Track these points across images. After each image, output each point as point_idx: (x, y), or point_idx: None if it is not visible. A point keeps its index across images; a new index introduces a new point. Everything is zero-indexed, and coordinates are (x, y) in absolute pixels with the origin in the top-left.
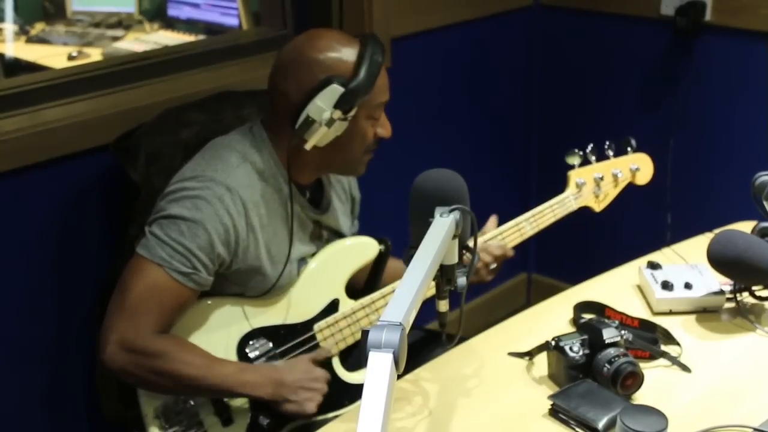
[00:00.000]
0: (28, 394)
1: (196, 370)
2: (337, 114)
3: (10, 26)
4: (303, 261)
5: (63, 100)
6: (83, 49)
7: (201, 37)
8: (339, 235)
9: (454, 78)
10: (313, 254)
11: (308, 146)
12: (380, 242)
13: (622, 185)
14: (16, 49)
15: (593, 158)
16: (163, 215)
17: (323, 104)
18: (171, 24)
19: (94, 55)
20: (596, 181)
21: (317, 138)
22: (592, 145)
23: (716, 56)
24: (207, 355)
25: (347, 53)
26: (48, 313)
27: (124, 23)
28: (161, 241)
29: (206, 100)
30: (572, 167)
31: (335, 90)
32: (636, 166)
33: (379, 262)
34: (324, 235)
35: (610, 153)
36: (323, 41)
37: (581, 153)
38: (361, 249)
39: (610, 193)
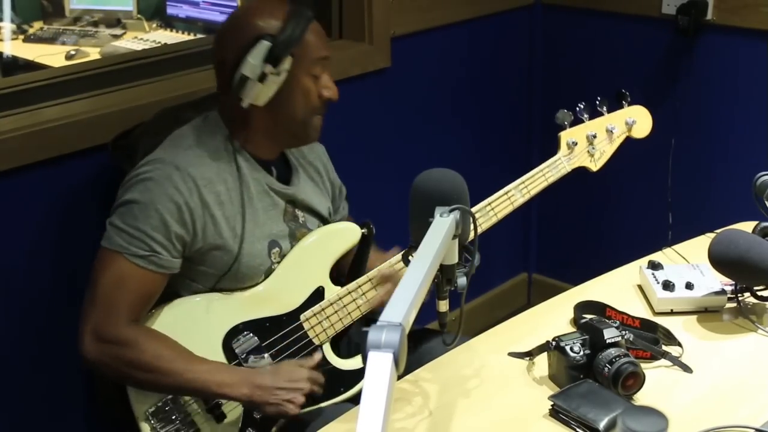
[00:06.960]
0: (27, 394)
1: (169, 363)
2: (269, 68)
3: (7, 25)
4: (276, 243)
5: (61, 99)
6: (81, 47)
7: (200, 36)
8: (314, 213)
9: (454, 77)
10: (288, 235)
11: (245, 104)
12: (362, 226)
13: (618, 141)
14: (14, 47)
15: (586, 116)
16: (119, 203)
17: (254, 60)
18: (170, 23)
19: (93, 53)
20: (589, 139)
21: (253, 95)
22: (583, 103)
23: (718, 55)
24: (182, 349)
25: (277, 14)
26: (47, 312)
27: (122, 22)
28: (118, 228)
29: (204, 99)
30: (563, 128)
31: (264, 45)
32: (632, 119)
33: (363, 246)
34: (299, 214)
35: (604, 109)
36: (254, 7)
37: (571, 113)
38: (344, 234)
39: (606, 150)
